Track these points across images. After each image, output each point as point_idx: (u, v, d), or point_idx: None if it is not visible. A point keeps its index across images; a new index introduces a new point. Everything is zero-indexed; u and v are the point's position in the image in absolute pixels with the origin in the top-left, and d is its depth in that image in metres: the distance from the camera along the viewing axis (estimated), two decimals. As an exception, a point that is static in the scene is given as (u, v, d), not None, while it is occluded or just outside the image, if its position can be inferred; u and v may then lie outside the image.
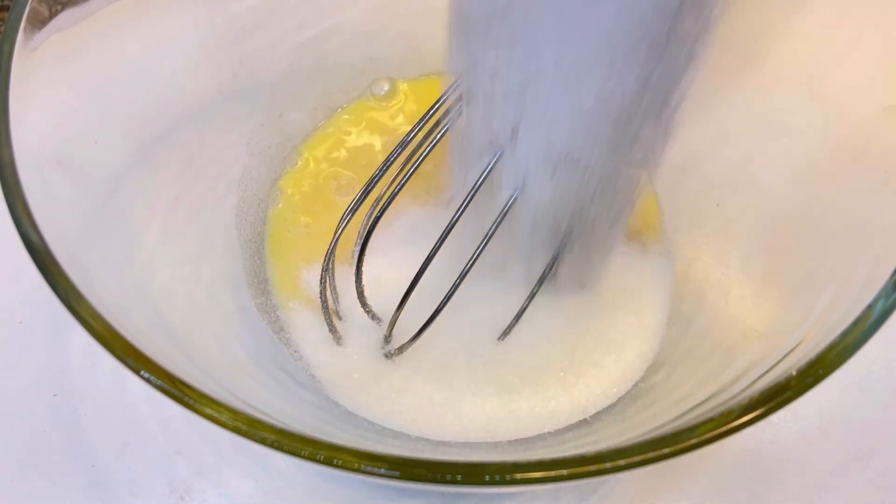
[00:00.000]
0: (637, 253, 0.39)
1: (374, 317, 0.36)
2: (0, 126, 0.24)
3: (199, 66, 0.37)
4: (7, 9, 0.30)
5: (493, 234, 0.31)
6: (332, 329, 0.36)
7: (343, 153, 0.43)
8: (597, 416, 0.34)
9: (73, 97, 0.29)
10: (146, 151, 0.33)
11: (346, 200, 0.41)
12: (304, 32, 0.41)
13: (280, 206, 0.41)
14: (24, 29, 0.26)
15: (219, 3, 0.38)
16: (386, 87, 0.44)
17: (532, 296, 0.36)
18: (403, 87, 0.45)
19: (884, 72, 0.30)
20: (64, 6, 0.28)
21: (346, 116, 0.44)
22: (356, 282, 0.35)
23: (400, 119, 0.44)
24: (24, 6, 0.26)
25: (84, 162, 0.29)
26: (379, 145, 0.43)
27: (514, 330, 0.36)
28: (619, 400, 0.35)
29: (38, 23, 0.27)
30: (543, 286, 0.37)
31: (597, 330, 0.36)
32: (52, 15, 0.27)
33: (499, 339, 0.36)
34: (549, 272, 0.35)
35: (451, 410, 0.34)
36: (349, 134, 0.44)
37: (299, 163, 0.42)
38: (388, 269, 0.38)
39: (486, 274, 0.37)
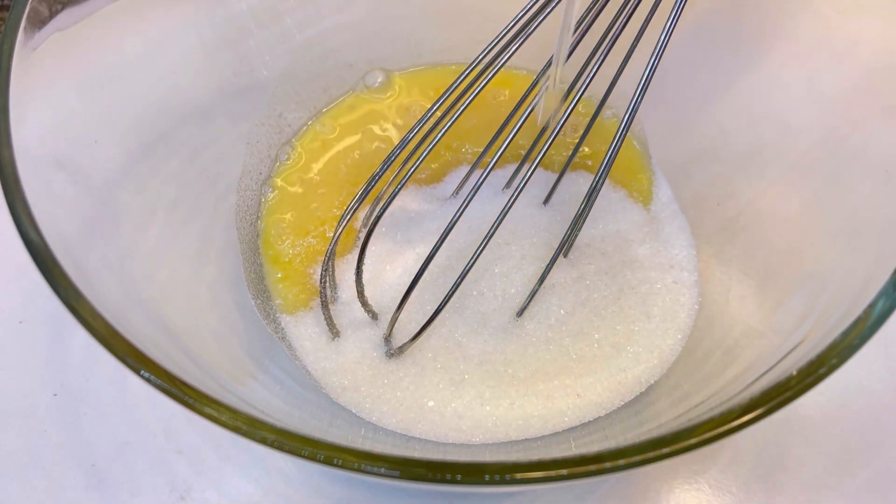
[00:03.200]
0: (659, 267, 0.38)
1: (374, 316, 0.36)
2: (0, 126, 0.24)
3: (199, 65, 0.37)
4: (7, 9, 0.30)
5: (493, 233, 0.31)
6: (332, 328, 0.36)
7: (336, 147, 0.43)
8: (597, 416, 0.34)
9: (73, 97, 0.29)
10: (146, 151, 0.33)
11: (339, 195, 0.41)
12: (304, 32, 0.41)
13: (273, 202, 0.41)
14: (24, 29, 0.26)
15: (219, 3, 0.38)
16: (380, 79, 0.44)
17: (533, 293, 0.36)
18: (398, 78, 0.45)
19: (884, 72, 0.30)
20: (64, 6, 0.28)
21: (340, 109, 0.44)
22: (356, 281, 0.35)
23: (394, 111, 0.44)
24: (24, 6, 0.26)
25: (84, 162, 0.29)
26: (373, 138, 0.43)
27: (517, 332, 0.36)
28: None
29: (39, 22, 0.27)
30: (546, 283, 0.37)
31: (600, 337, 0.36)
32: (52, 14, 0.28)
33: (496, 337, 0.36)
34: (549, 269, 0.35)
35: (451, 410, 0.34)
36: (342, 127, 0.43)
37: (292, 157, 0.42)
38: (388, 269, 0.38)
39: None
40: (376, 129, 0.43)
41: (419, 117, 0.34)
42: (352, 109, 0.44)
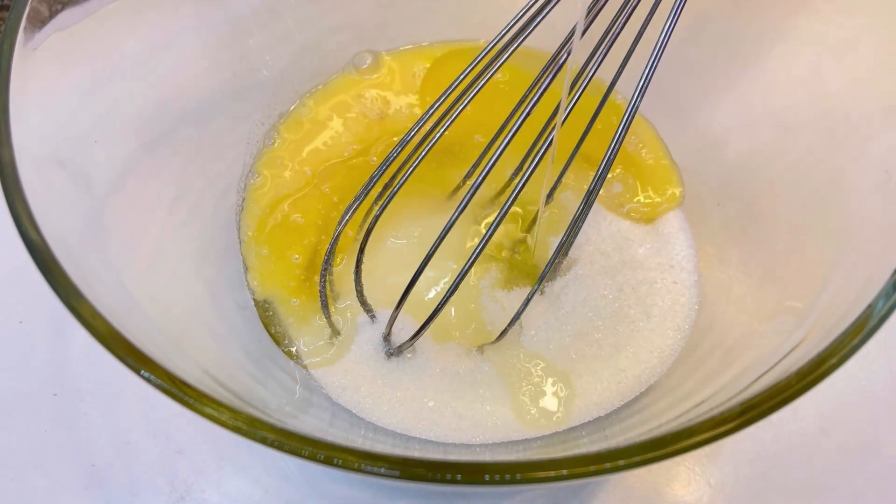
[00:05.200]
0: (659, 267, 0.38)
1: (373, 316, 0.36)
2: (0, 126, 0.24)
3: (199, 65, 0.37)
4: (7, 9, 0.30)
5: (492, 233, 0.31)
6: (332, 328, 0.36)
7: (324, 131, 0.42)
8: (597, 416, 0.34)
9: (73, 97, 0.29)
10: (146, 151, 0.33)
11: (328, 185, 0.40)
12: (304, 32, 0.41)
13: (257, 189, 0.40)
14: (24, 29, 0.26)
15: (219, 4, 0.38)
16: (369, 60, 0.44)
17: (532, 294, 0.36)
18: (387, 59, 0.44)
19: (884, 72, 0.30)
20: (64, 6, 0.28)
21: (328, 91, 0.43)
22: (356, 281, 0.35)
23: (383, 92, 0.43)
24: (24, 6, 0.26)
25: (84, 162, 0.29)
26: (363, 121, 0.42)
27: (517, 331, 0.36)
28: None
29: (38, 22, 0.27)
30: (546, 286, 0.37)
31: (600, 337, 0.36)
32: (52, 14, 0.28)
33: (496, 340, 0.36)
34: (549, 269, 0.35)
35: (451, 410, 0.34)
36: (330, 109, 0.43)
37: (277, 142, 0.41)
38: (387, 268, 0.38)
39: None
40: (363, 108, 0.42)
41: (411, 103, 0.33)
42: (339, 87, 0.43)
